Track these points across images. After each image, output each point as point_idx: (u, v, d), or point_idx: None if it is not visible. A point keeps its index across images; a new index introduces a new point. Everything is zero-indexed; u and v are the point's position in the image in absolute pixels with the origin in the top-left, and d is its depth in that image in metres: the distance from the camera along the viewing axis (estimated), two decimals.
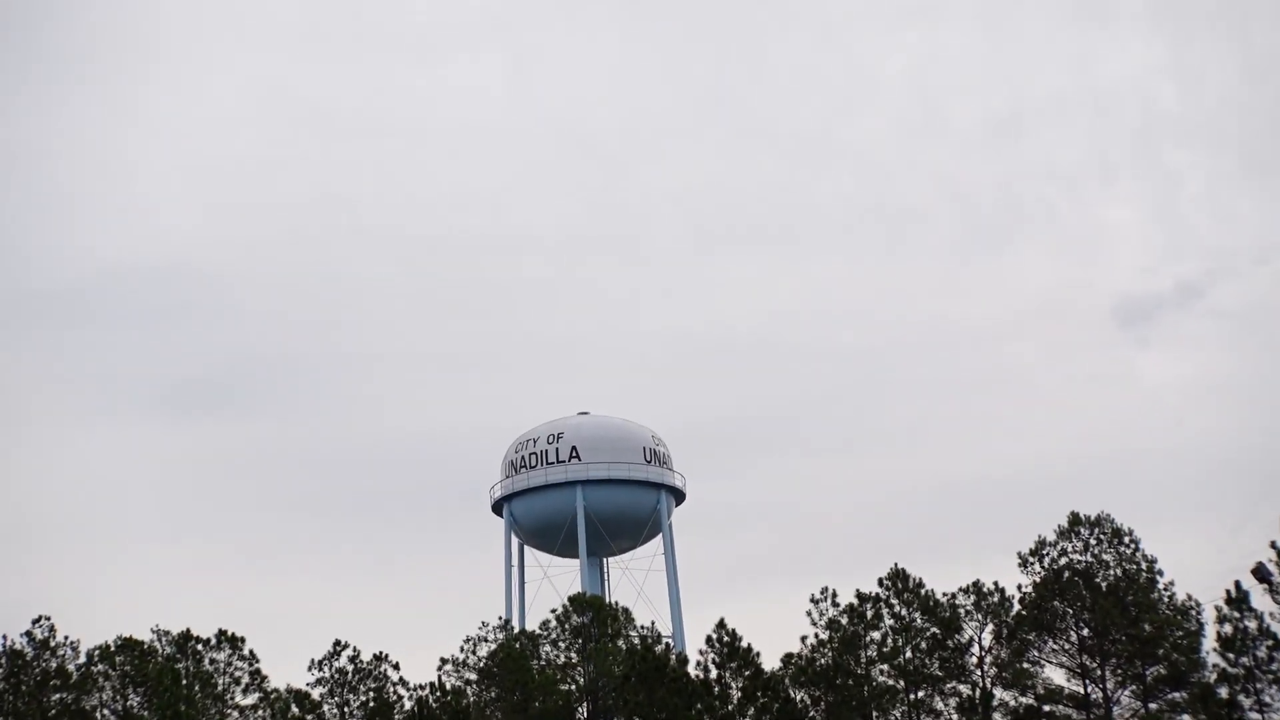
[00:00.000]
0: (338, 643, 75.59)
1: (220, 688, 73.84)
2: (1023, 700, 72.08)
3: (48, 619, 72.75)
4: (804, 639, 73.54)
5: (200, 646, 75.12)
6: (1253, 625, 65.75)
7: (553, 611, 78.47)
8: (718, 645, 71.90)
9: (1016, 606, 73.28)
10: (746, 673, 70.41)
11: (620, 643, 76.44)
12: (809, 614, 74.20)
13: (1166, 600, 72.33)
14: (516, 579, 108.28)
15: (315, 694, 74.17)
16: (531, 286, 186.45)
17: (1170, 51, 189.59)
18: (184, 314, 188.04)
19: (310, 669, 75.12)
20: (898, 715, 71.89)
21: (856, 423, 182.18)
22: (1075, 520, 74.57)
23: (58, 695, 71.73)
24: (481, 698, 74.35)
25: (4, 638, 72.05)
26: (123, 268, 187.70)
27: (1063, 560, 74.05)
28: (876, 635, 73.15)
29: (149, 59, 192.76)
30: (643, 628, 79.14)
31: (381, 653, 75.63)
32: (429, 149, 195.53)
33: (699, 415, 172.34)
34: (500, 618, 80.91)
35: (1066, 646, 72.42)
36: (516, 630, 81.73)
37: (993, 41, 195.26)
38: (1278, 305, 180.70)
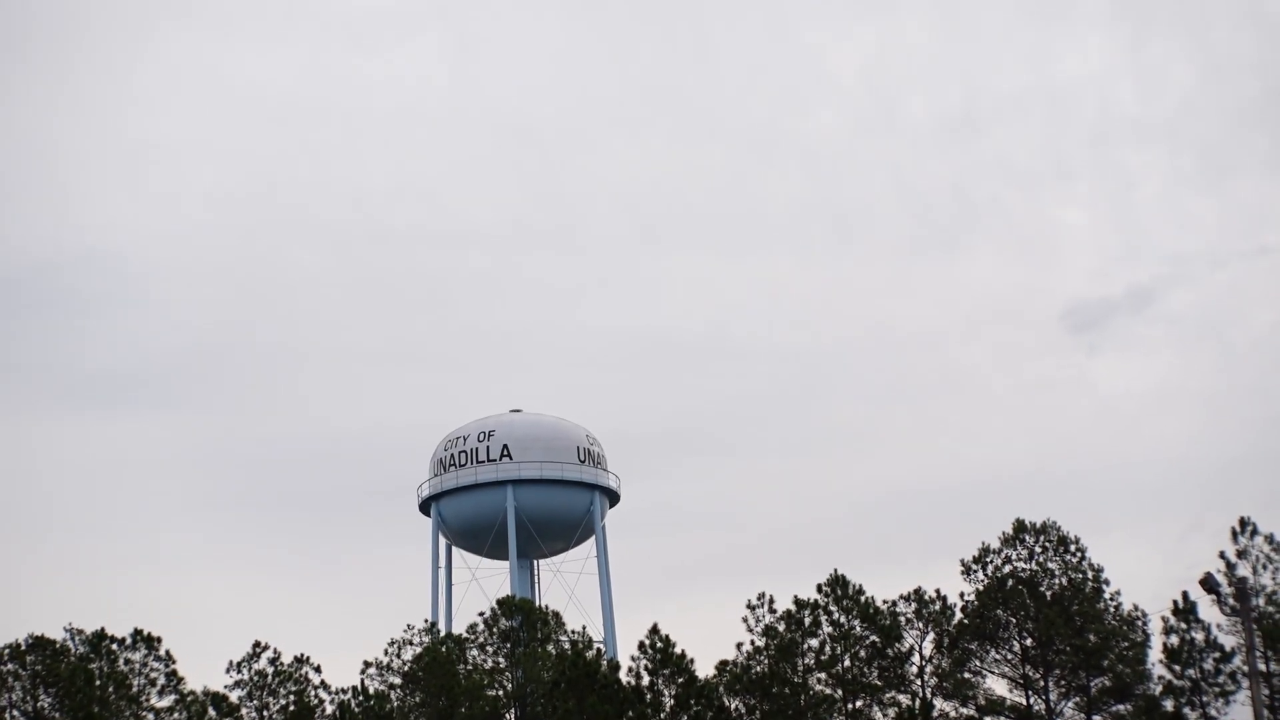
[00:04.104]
0: (257, 644, 74.77)
1: (135, 689, 72.34)
2: (964, 711, 71.32)
3: None
4: (739, 646, 72.66)
5: (115, 646, 73.54)
6: (1200, 637, 66.89)
7: (480, 615, 77.64)
8: (650, 651, 70.98)
9: (958, 615, 72.44)
10: (679, 680, 69.51)
11: (550, 647, 75.57)
12: (745, 620, 73.37)
13: (1112, 610, 71.61)
14: (443, 581, 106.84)
15: (233, 697, 73.16)
16: (467, 279, 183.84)
17: (1129, 50, 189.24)
18: (99, 304, 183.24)
19: (229, 670, 74.26)
20: None
21: (798, 425, 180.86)
22: (1020, 527, 73.77)
23: None
24: (406, 702, 73.35)
25: None
26: (36, 256, 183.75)
27: (1007, 568, 73.13)
28: (814, 643, 72.09)
29: (71, 38, 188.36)
30: (573, 632, 78.38)
31: (303, 655, 74.87)
32: (363, 136, 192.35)
33: (636, 415, 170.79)
34: (426, 620, 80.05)
35: (1009, 656, 71.64)
36: (443, 633, 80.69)
37: (948, 36, 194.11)
38: (1232, 311, 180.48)
